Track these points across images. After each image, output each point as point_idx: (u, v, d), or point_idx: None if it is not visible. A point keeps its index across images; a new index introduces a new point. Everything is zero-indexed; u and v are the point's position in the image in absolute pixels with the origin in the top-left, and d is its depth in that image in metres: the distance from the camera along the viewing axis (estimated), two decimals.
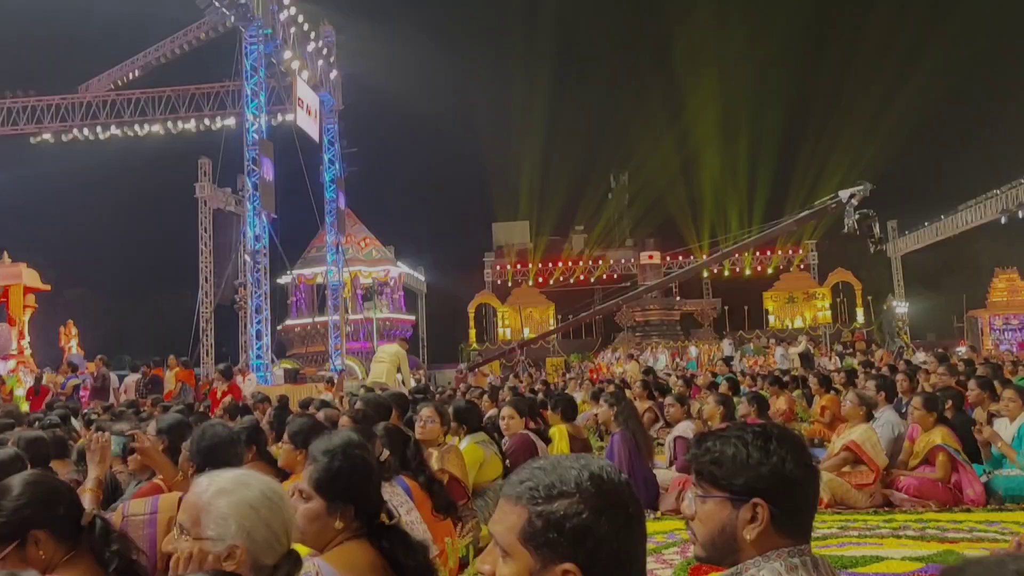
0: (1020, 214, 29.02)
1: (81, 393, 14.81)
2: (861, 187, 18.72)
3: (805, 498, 1.60)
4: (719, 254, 30.61)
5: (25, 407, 13.89)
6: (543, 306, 40.18)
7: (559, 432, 6.92)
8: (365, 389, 13.51)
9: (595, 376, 24.52)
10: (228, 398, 11.41)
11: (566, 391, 13.57)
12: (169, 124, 28.50)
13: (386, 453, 3.77)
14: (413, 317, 39.08)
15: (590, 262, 43.06)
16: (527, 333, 36.60)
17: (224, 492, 1.78)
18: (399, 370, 14.47)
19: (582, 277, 42.78)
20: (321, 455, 2.39)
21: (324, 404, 7.72)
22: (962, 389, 7.80)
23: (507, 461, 5.78)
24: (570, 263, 43.26)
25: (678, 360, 30.68)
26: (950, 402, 6.81)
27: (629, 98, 59.05)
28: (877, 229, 18.67)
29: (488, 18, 63.60)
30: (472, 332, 40.18)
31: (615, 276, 42.32)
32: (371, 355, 27.99)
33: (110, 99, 28.66)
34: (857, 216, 18.44)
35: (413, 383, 15.42)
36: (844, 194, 19.06)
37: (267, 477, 1.93)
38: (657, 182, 46.25)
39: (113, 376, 15.51)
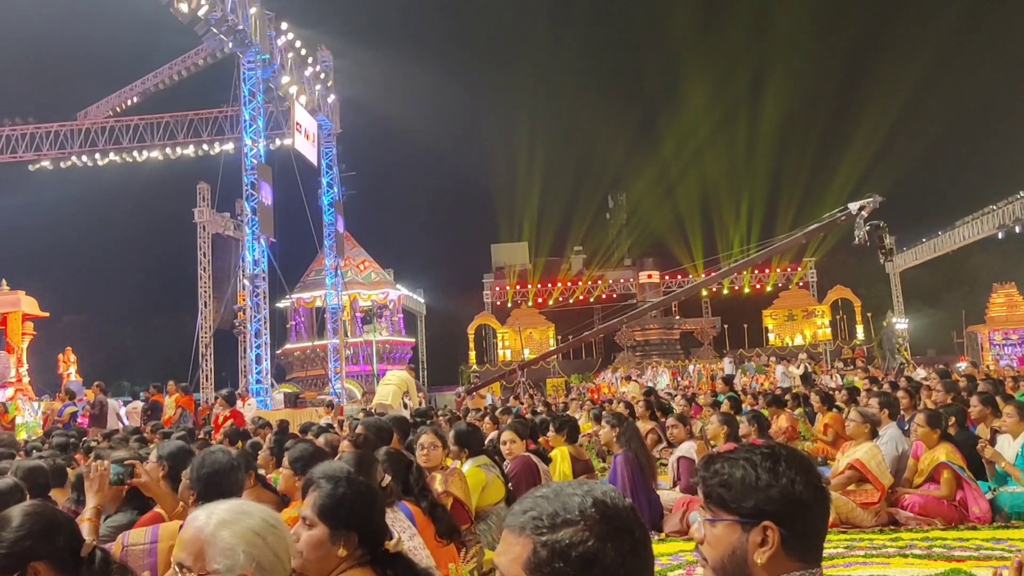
0: (1017, 229, 29.10)
1: (79, 420, 14.74)
2: (871, 199, 18.80)
3: (816, 520, 1.57)
4: (725, 270, 30.38)
5: (23, 435, 13.83)
6: (543, 327, 40.15)
7: (561, 454, 6.87)
8: (365, 413, 13.49)
9: (596, 396, 24.46)
10: (229, 423, 11.35)
11: (567, 412, 13.52)
12: (168, 150, 28.63)
13: (388, 478, 3.74)
14: (413, 339, 39.06)
15: (589, 282, 43.10)
16: (527, 354, 36.53)
17: (226, 523, 1.75)
18: (406, 394, 14.63)
19: (581, 297, 42.80)
20: (324, 482, 2.36)
21: (324, 429, 7.67)
22: (963, 405, 7.77)
23: (509, 484, 5.73)
24: (569, 283, 43.29)
25: (678, 379, 30.64)
26: (953, 419, 6.78)
27: (626, 118, 59.38)
28: (888, 240, 18.68)
29: (486, 42, 64.16)
30: (472, 354, 40.14)
31: (614, 296, 42.37)
32: (371, 378, 28.03)
33: (108, 126, 28.81)
34: (868, 228, 18.46)
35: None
36: (854, 206, 19.13)
37: (262, 504, 1.91)
38: (655, 202, 46.55)
39: (113, 403, 15.45)
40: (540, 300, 42.52)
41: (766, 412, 9.91)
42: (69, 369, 20.08)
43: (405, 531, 3.47)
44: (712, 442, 7.35)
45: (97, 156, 28.76)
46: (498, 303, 42.62)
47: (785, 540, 1.52)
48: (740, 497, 1.56)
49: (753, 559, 1.52)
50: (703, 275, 37.43)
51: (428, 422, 9.37)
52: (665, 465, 7.91)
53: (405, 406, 14.76)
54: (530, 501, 1.31)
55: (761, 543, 1.52)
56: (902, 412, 8.02)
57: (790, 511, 1.53)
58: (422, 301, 43.16)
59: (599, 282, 43.07)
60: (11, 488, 3.93)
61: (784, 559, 1.52)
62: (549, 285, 42.99)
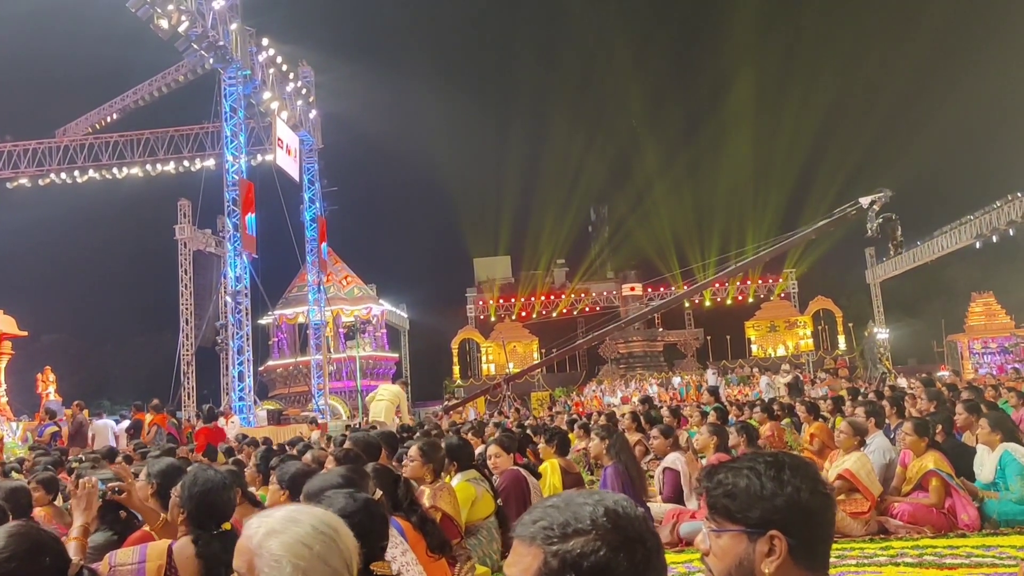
0: (994, 239, 29.47)
1: (58, 441, 14.53)
2: (881, 193, 19.24)
3: (822, 527, 1.56)
4: (730, 269, 29.70)
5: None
6: (527, 340, 40.14)
7: (551, 466, 6.85)
8: (350, 429, 13.41)
9: (581, 410, 24.45)
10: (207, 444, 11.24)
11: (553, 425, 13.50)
12: (148, 166, 28.40)
13: (379, 493, 3.70)
14: (396, 355, 38.90)
15: (572, 295, 43.14)
16: (511, 368, 36.48)
17: (274, 532, 1.69)
18: (398, 409, 14.70)
19: (565, 310, 42.82)
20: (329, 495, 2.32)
21: (309, 445, 7.60)
22: (949, 414, 7.82)
23: (499, 499, 5.69)
24: (552, 297, 43.31)
25: (660, 390, 30.71)
26: (940, 427, 6.81)
27: (608, 131, 59.67)
28: (900, 232, 19.03)
29: (467, 56, 64.36)
30: (456, 368, 40.04)
31: (597, 308, 42.43)
32: (355, 394, 27.86)
33: (88, 143, 28.56)
34: (880, 220, 18.85)
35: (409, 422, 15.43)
36: (865, 200, 19.54)
37: (319, 510, 1.84)
38: (637, 214, 46.73)
39: (108, 422, 15.30)
40: (523, 313, 42.51)
41: (754, 422, 9.94)
42: (48, 389, 19.82)
43: (397, 546, 3.43)
44: (701, 453, 7.35)
45: (76, 173, 28.47)
46: (481, 317, 42.58)
47: (792, 549, 1.50)
48: (745, 507, 1.54)
49: (760, 569, 1.51)
50: (684, 287, 37.50)
51: (410, 436, 9.34)
52: (652, 477, 7.89)
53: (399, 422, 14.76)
54: (540, 511, 1.29)
55: (768, 553, 1.51)
56: (887, 420, 8.06)
57: (797, 519, 1.52)
58: (405, 316, 43.02)
59: (582, 295, 43.12)
60: None
61: (792, 568, 1.50)
62: (532, 299, 43.00)
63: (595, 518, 1.24)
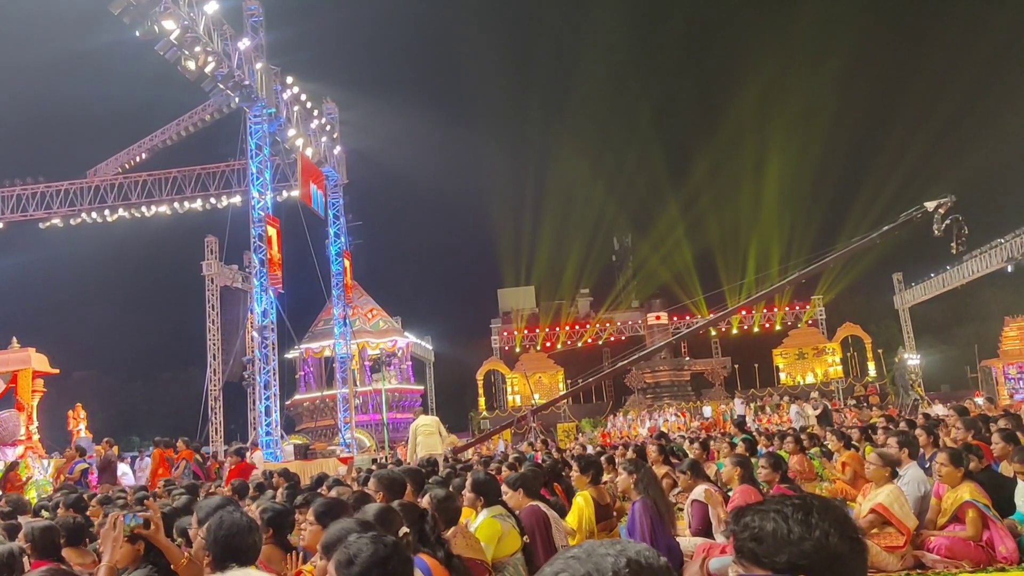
0: None
1: (89, 477, 14.64)
2: (946, 199, 19.70)
3: (852, 573, 1.52)
4: (783, 281, 28.55)
5: (33, 493, 13.72)
6: (552, 371, 39.96)
7: (584, 498, 6.78)
8: (375, 463, 13.40)
9: (607, 441, 24.25)
10: (236, 480, 11.24)
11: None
12: (176, 204, 28.87)
13: (405, 529, 3.68)
14: (422, 387, 38.94)
15: (597, 325, 42.98)
16: (537, 399, 36.29)
17: None
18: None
19: (590, 340, 42.64)
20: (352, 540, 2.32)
21: (338, 482, 7.58)
22: (982, 443, 7.66)
23: (524, 536, 5.62)
24: (577, 326, 43.17)
25: (686, 419, 30.43)
26: (975, 457, 6.67)
27: (629, 161, 59.77)
28: (965, 231, 19.34)
29: (489, 90, 65.03)
30: (482, 400, 39.91)
31: (623, 338, 42.21)
32: (380, 427, 27.85)
33: (117, 182, 29.10)
34: (947, 222, 19.26)
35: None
36: (930, 204, 19.85)
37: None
38: (661, 243, 46.64)
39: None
40: (548, 344, 42.37)
41: (784, 452, 9.80)
42: (79, 425, 19.98)
43: None
44: (727, 485, 7.25)
45: (106, 212, 29.00)
46: (506, 348, 42.48)
47: None
48: (772, 551, 1.51)
49: None
50: (711, 313, 37.13)
51: (433, 471, 9.31)
52: (681, 510, 7.78)
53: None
54: (561, 562, 1.27)
55: None
56: (922, 450, 7.91)
57: (825, 564, 1.48)
58: (430, 348, 43.08)
59: (607, 324, 42.95)
60: (9, 554, 3.88)
61: None
62: (557, 329, 42.88)
63: (617, 570, 1.22)
